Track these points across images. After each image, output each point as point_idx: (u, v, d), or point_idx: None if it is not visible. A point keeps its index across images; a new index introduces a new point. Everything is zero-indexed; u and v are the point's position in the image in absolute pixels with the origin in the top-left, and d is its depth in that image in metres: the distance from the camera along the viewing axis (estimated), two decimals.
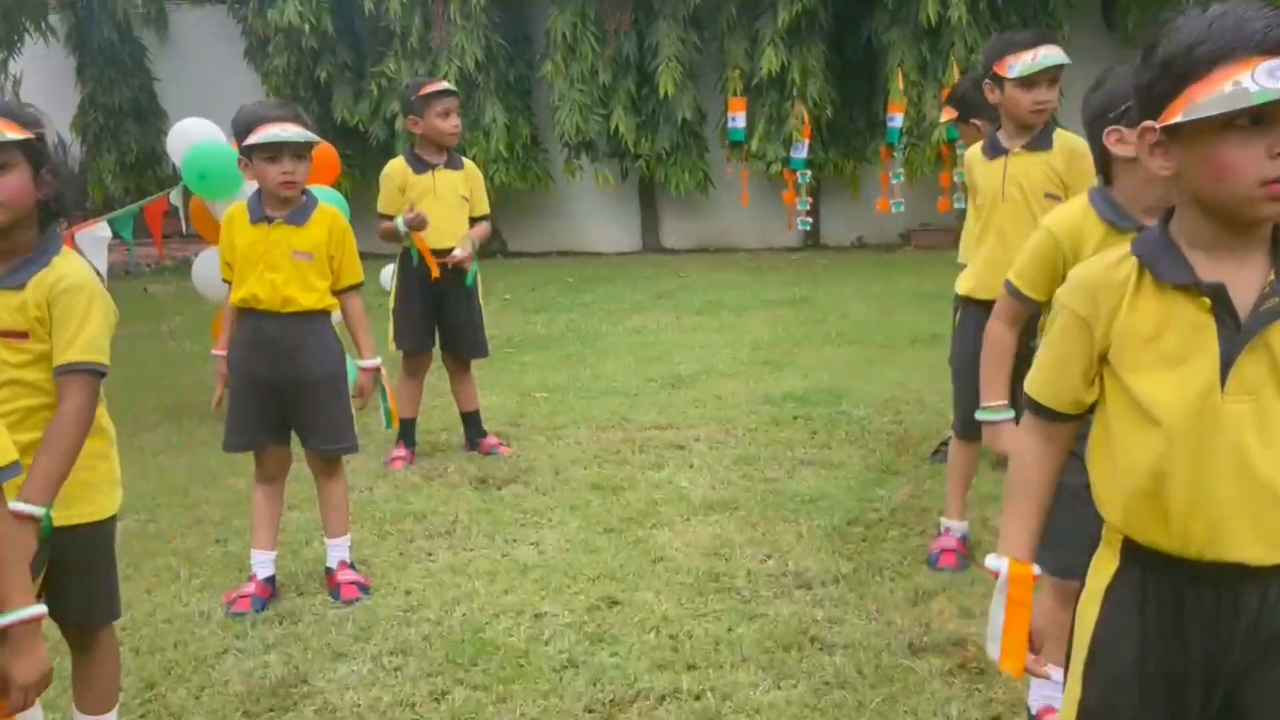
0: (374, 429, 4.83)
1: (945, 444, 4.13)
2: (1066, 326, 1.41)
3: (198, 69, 12.34)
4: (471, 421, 4.56)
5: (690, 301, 8.09)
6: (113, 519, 2.15)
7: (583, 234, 11.78)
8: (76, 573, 2.09)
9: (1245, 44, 1.22)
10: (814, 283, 8.83)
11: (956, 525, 3.24)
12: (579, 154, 10.89)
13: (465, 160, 4.57)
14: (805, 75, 10.15)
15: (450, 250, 4.29)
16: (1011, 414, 2.36)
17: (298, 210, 3.05)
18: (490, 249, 11.92)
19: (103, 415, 2.08)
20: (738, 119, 10.54)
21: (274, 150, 2.93)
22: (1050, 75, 2.96)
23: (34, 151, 1.97)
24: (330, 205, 3.17)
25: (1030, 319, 3.19)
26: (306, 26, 10.86)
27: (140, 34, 12.67)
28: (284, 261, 3.03)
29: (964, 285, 3.13)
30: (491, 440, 4.52)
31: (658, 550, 3.33)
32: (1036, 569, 1.51)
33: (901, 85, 9.78)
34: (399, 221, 4.19)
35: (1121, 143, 2.15)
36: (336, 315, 3.23)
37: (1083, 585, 2.16)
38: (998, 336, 2.35)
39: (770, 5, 10.01)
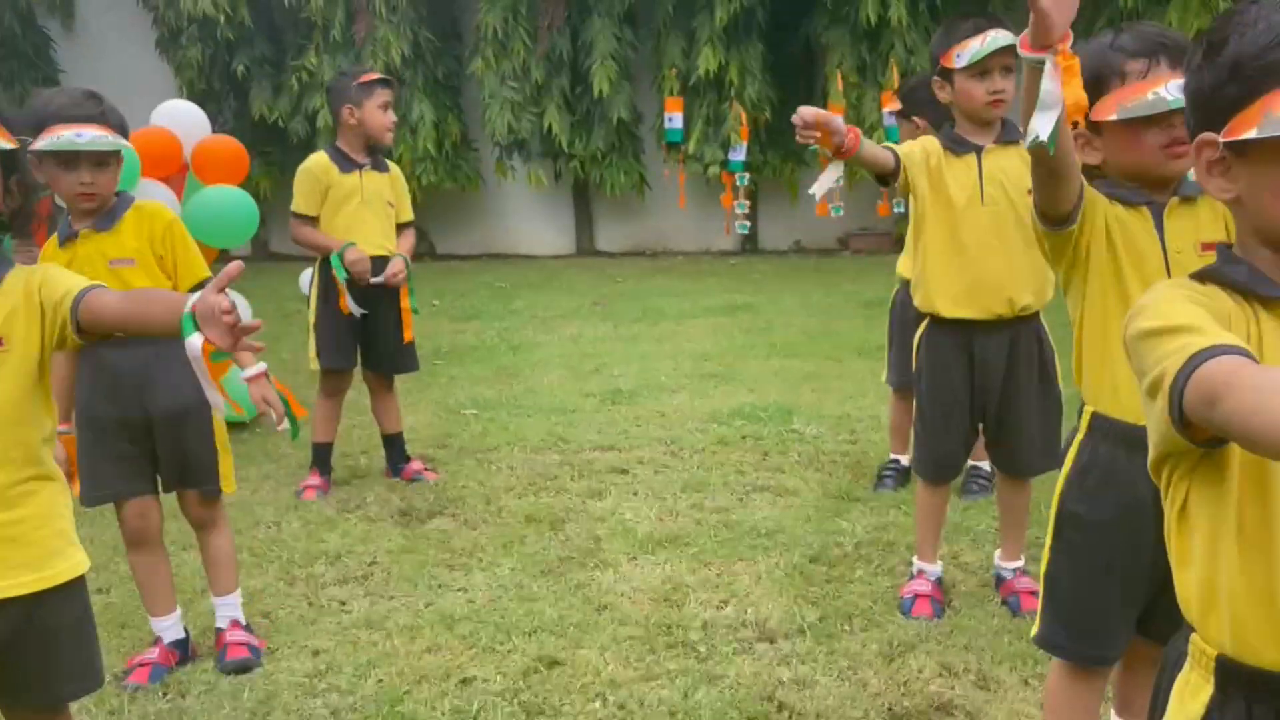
0: (285, 452, 4.43)
1: (888, 470, 3.85)
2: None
3: (106, 61, 11.65)
4: (394, 444, 4.17)
5: (628, 309, 7.76)
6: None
7: (515, 236, 11.40)
8: (69, 638, 1.77)
9: None
10: (754, 289, 8.57)
11: (930, 568, 2.95)
12: (511, 154, 10.52)
13: (389, 162, 4.18)
14: (743, 75, 9.91)
15: (383, 259, 3.95)
16: None
17: (105, 215, 2.55)
18: (418, 251, 11.46)
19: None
20: (674, 119, 10.26)
21: (68, 156, 2.42)
22: (1003, 62, 2.65)
23: (9, 160, 1.70)
24: (151, 201, 2.67)
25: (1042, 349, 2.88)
26: (222, 17, 10.32)
27: (45, 24, 11.96)
28: (102, 275, 2.47)
29: (937, 303, 2.81)
30: (416, 465, 4.13)
31: (602, 596, 2.98)
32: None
33: (840, 87, 9.58)
34: (340, 259, 3.84)
35: (1089, 147, 1.77)
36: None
37: (1102, 666, 1.86)
38: None
39: (707, 4, 9.74)
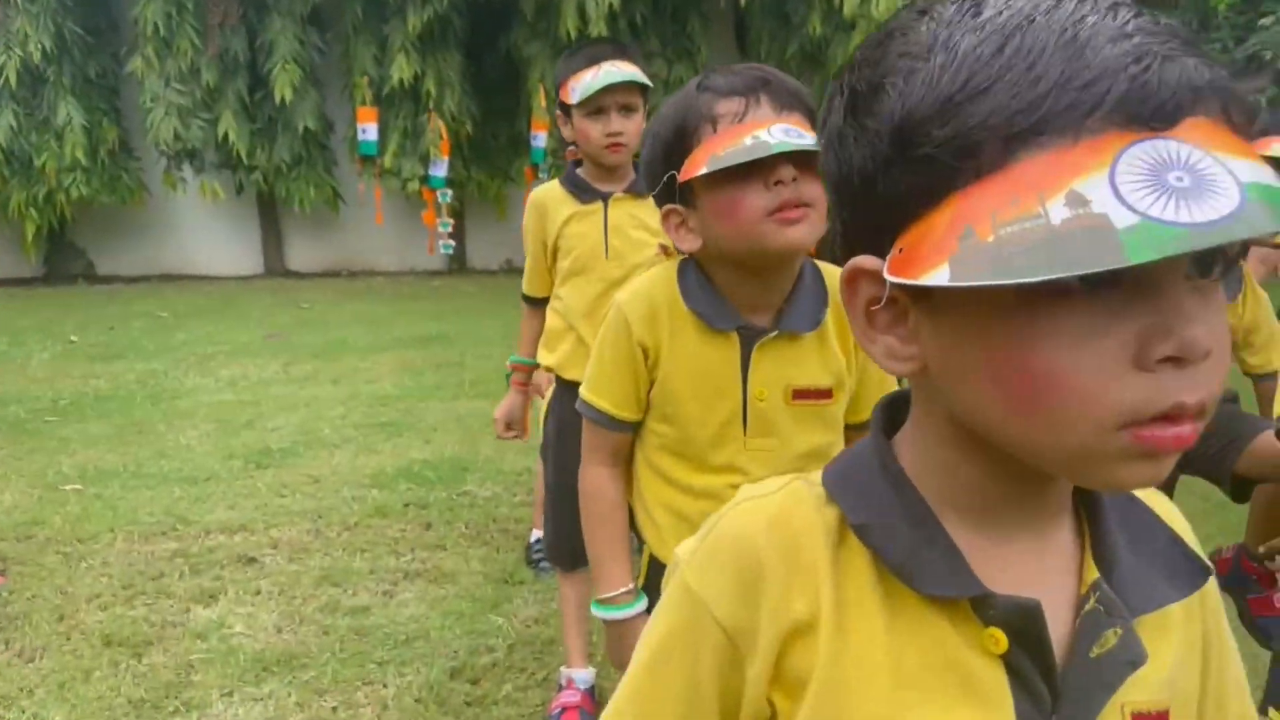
0: None
1: (538, 550, 3.40)
2: (674, 632, 0.68)
3: None
4: None
5: (308, 342, 6.98)
6: None
7: (191, 255, 10.22)
8: None
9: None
10: (455, 315, 8.01)
11: (580, 675, 2.53)
12: (180, 164, 9.38)
13: None
14: (441, 86, 9.33)
15: None
16: None
17: None
18: (72, 273, 10.03)
19: None
20: (368, 130, 9.53)
21: None
22: (622, 101, 2.28)
23: None
24: None
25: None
26: None
27: None
28: None
29: (561, 362, 2.46)
30: None
31: None
32: None
33: (544, 102, 9.22)
34: None
35: (683, 228, 1.40)
36: None
37: None
38: None
39: (399, 9, 9.08)
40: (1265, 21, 8.51)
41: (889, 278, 0.56)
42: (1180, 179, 0.48)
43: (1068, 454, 0.55)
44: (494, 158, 10.07)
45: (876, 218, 0.58)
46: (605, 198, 2.39)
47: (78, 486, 4.14)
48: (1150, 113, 0.50)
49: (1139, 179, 0.49)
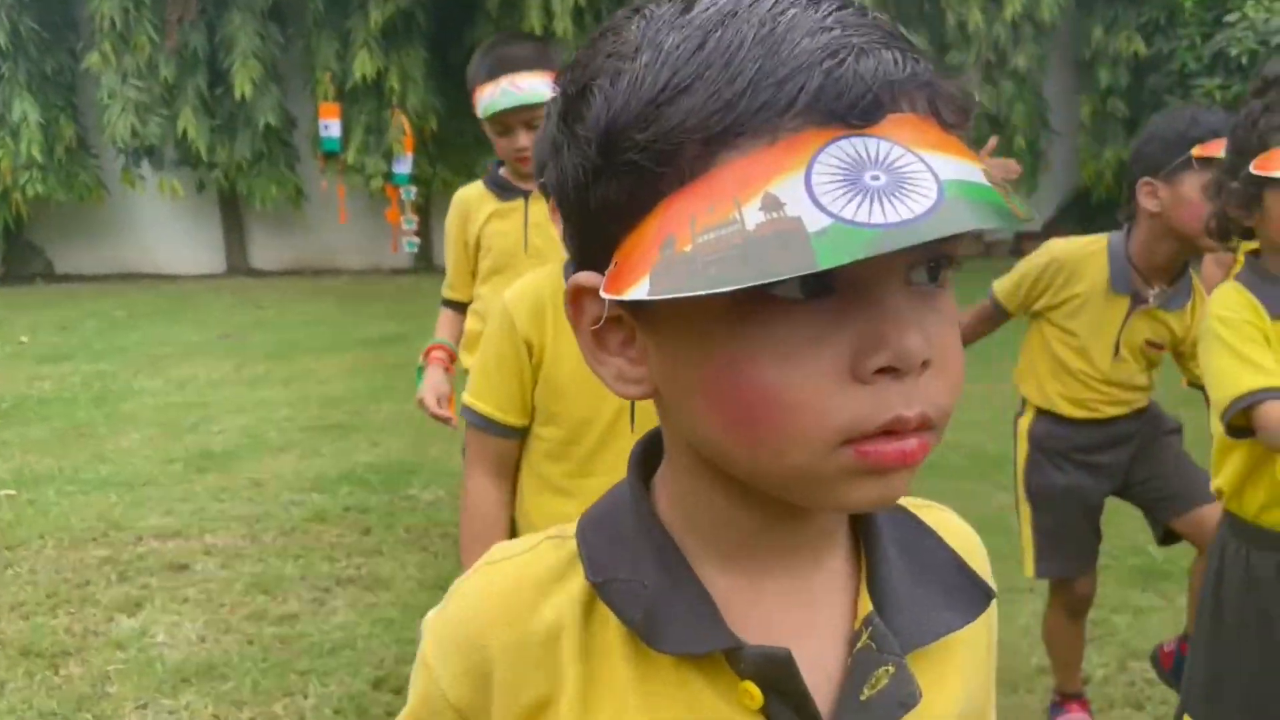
0: None
1: None
2: (417, 706, 0.64)
3: None
4: None
5: (262, 342, 6.90)
6: None
7: (152, 254, 10.11)
8: None
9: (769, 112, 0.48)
10: (417, 315, 7.89)
11: None
12: (138, 161, 9.27)
13: None
14: (405, 82, 9.26)
15: None
16: None
17: None
18: (30, 272, 9.90)
19: None
20: (331, 127, 9.46)
21: None
22: (526, 118, 2.22)
23: None
24: None
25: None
26: None
27: None
28: None
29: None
30: None
31: None
32: None
33: None
34: None
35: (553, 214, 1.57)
36: None
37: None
38: None
39: (361, 4, 9.01)
40: (1231, 18, 8.54)
41: (603, 294, 0.52)
42: (877, 178, 0.45)
43: (791, 475, 0.52)
44: (459, 154, 9.99)
45: (593, 230, 0.54)
46: (526, 195, 2.36)
47: (11, 492, 4.06)
48: (846, 108, 0.47)
49: (835, 179, 0.45)
